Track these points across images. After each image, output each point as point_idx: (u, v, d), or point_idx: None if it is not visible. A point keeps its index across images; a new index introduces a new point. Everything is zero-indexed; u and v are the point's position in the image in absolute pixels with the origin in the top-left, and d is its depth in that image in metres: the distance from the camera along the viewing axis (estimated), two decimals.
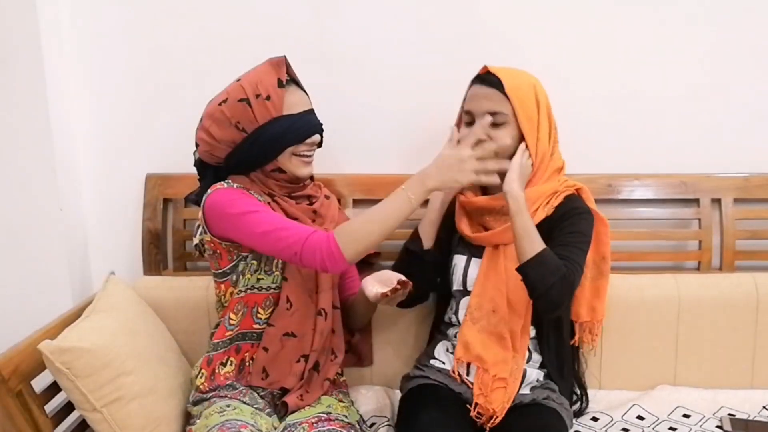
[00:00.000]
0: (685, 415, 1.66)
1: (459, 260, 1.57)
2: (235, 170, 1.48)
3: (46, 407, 1.40)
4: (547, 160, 1.50)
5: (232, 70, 1.86)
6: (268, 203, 1.45)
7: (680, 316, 1.74)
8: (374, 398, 1.71)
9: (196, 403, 1.50)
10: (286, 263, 1.46)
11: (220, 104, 1.43)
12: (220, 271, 1.50)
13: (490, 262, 1.51)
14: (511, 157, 1.46)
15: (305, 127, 1.44)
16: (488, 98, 1.46)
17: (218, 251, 1.47)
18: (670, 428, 1.61)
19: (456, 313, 1.57)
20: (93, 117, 1.86)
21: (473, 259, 1.55)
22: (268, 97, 1.40)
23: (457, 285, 1.56)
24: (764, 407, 1.69)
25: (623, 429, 1.61)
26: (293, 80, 1.47)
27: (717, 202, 1.85)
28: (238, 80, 1.45)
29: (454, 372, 1.52)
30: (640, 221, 1.88)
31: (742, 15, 1.81)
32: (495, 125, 1.45)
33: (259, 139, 1.41)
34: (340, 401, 1.52)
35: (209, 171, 1.51)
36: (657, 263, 1.89)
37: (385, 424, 1.60)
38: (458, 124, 1.55)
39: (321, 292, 1.50)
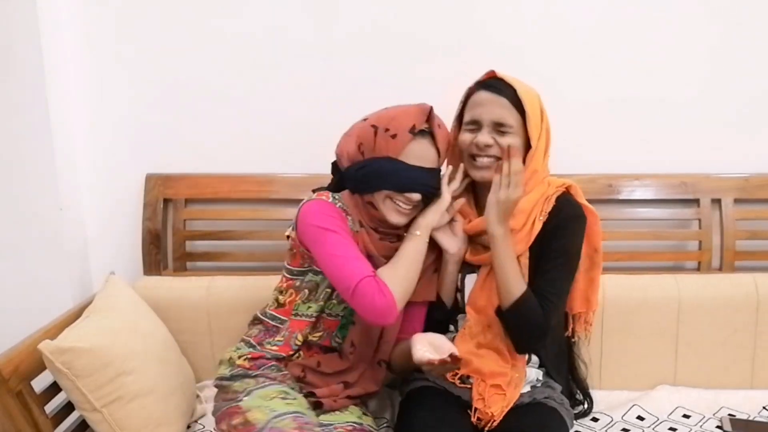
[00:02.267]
0: (685, 416, 1.66)
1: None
2: (348, 186, 1.48)
3: (46, 407, 1.40)
4: (540, 171, 1.47)
5: (233, 70, 1.87)
6: (356, 232, 1.45)
7: (680, 316, 1.74)
8: (374, 398, 1.70)
9: (233, 378, 1.47)
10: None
11: (361, 121, 1.45)
12: (290, 268, 1.51)
13: (486, 277, 1.49)
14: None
15: (407, 180, 1.40)
16: (498, 106, 1.42)
17: (295, 250, 1.48)
18: (670, 428, 1.61)
19: (453, 323, 1.56)
20: (93, 117, 1.86)
21: (468, 276, 1.54)
22: (394, 136, 1.39)
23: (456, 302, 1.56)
24: (764, 407, 1.69)
25: (623, 429, 1.61)
26: (430, 133, 1.42)
27: (717, 202, 1.85)
28: (387, 109, 1.45)
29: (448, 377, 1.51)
30: (640, 221, 1.88)
31: (743, 15, 1.81)
32: (501, 133, 1.42)
33: (366, 168, 1.41)
34: (365, 414, 1.53)
35: (338, 174, 1.51)
36: (657, 263, 1.89)
37: (385, 425, 1.60)
38: (455, 132, 1.51)
39: (384, 342, 1.52)
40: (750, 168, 1.86)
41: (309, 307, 1.48)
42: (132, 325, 1.55)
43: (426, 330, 1.51)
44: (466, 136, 1.46)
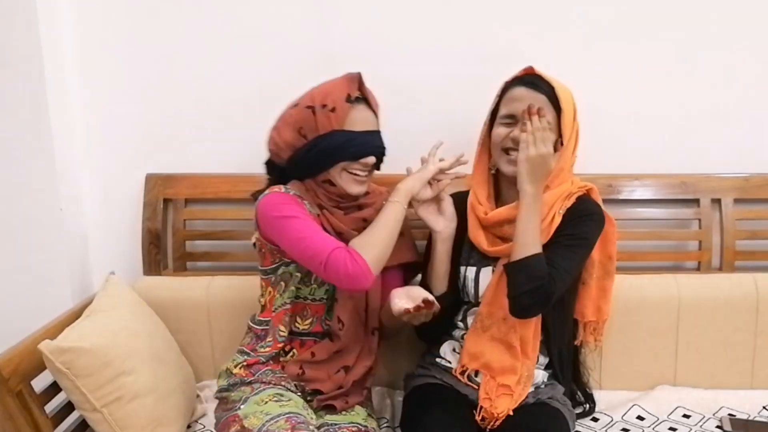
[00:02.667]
0: (685, 415, 1.66)
1: (469, 272, 1.54)
2: (295, 175, 1.49)
3: (46, 407, 1.40)
4: (567, 169, 1.48)
5: (233, 70, 1.87)
6: (317, 215, 1.46)
7: (680, 316, 1.74)
8: (375, 399, 1.70)
9: (230, 388, 1.48)
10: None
11: (291, 108, 1.46)
12: (262, 268, 1.52)
13: (503, 274, 1.46)
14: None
15: (361, 146, 1.43)
16: (536, 101, 1.41)
17: (263, 251, 1.49)
18: (670, 428, 1.61)
19: (463, 320, 1.56)
20: (93, 117, 1.86)
21: (483, 269, 1.53)
22: (333, 109, 1.41)
23: (469, 297, 1.55)
24: (764, 407, 1.69)
25: (623, 429, 1.61)
26: (364, 99, 1.46)
27: (717, 202, 1.85)
28: (315, 88, 1.46)
29: (456, 372, 1.51)
30: (640, 221, 1.88)
31: (742, 15, 1.81)
32: None
33: (315, 148, 1.42)
34: (369, 415, 1.53)
35: (276, 171, 1.53)
36: (657, 263, 1.88)
37: (385, 425, 1.60)
38: (489, 126, 1.51)
39: (371, 310, 1.53)
40: (750, 168, 1.86)
41: (291, 293, 1.48)
42: (132, 325, 1.55)
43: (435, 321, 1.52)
44: (501, 130, 1.47)
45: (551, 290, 1.38)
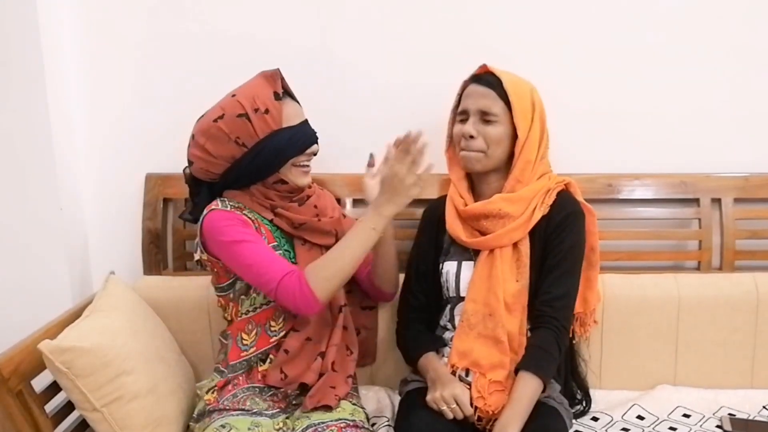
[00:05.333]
0: (685, 415, 1.66)
1: (450, 267, 1.56)
2: (234, 185, 1.48)
3: (46, 407, 1.40)
4: (533, 160, 1.51)
5: (233, 70, 1.87)
6: (271, 220, 1.48)
7: (680, 316, 1.74)
8: (375, 398, 1.71)
9: (198, 418, 1.50)
10: None
11: (215, 120, 1.42)
12: (218, 286, 1.52)
13: (485, 265, 1.50)
14: (496, 152, 1.50)
15: (304, 138, 1.46)
16: (484, 96, 1.49)
17: (216, 270, 1.50)
18: (670, 428, 1.61)
19: (451, 320, 1.56)
20: (93, 117, 1.87)
21: (464, 263, 1.54)
22: (266, 111, 1.41)
23: (451, 292, 1.56)
24: (764, 407, 1.69)
25: (623, 429, 1.61)
26: (287, 92, 1.48)
27: (717, 202, 1.85)
28: (233, 95, 1.44)
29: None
30: (640, 221, 1.88)
31: (742, 15, 1.81)
32: (486, 122, 1.49)
33: (260, 153, 1.42)
34: (356, 408, 1.52)
35: (203, 188, 1.51)
36: (657, 263, 1.88)
37: (386, 424, 1.59)
38: (451, 123, 1.58)
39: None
40: (750, 168, 1.86)
41: (253, 301, 1.48)
42: (132, 325, 1.55)
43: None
44: (457, 127, 1.54)
45: (567, 336, 1.47)
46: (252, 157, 1.42)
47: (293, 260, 1.50)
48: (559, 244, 1.48)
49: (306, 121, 1.49)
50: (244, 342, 1.49)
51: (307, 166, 1.49)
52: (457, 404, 1.38)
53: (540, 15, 1.81)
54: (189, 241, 1.90)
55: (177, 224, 1.89)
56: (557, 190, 1.53)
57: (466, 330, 1.50)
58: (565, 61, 1.82)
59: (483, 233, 1.52)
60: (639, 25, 1.82)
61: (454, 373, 1.48)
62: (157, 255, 1.88)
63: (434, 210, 1.63)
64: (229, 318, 1.55)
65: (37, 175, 1.73)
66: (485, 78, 1.51)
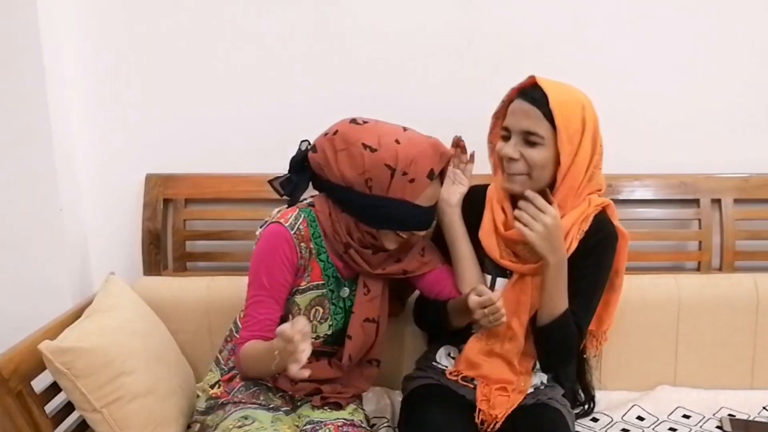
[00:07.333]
0: (685, 416, 1.66)
1: (485, 279, 1.51)
2: (332, 195, 1.40)
3: (46, 407, 1.40)
4: (577, 186, 1.38)
5: (233, 70, 1.87)
6: (341, 255, 1.42)
7: (680, 317, 1.74)
8: (374, 399, 1.71)
9: (207, 411, 1.48)
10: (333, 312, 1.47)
11: (365, 147, 1.32)
12: None
13: (515, 289, 1.45)
14: (541, 176, 1.37)
15: (422, 223, 1.39)
16: (527, 116, 1.34)
17: None
18: (670, 428, 1.61)
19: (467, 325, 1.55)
20: (93, 117, 1.86)
21: (498, 279, 1.49)
22: (412, 180, 1.32)
23: None
24: (764, 407, 1.69)
25: (623, 429, 1.61)
26: (441, 173, 1.39)
27: (717, 202, 1.85)
28: (397, 141, 1.33)
29: (451, 374, 1.51)
30: (640, 221, 1.88)
31: (742, 15, 1.81)
32: (529, 144, 1.35)
33: (377, 206, 1.34)
34: (356, 409, 1.51)
35: (308, 172, 1.42)
36: (657, 263, 1.88)
37: (385, 424, 1.60)
38: (492, 139, 1.48)
39: (378, 343, 1.51)
40: (750, 168, 1.86)
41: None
42: (132, 325, 1.55)
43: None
44: (499, 145, 1.41)
45: (579, 342, 1.44)
46: (368, 202, 1.34)
47: (332, 301, 1.45)
48: (587, 265, 1.42)
49: (434, 205, 1.41)
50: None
51: (404, 239, 1.41)
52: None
53: (539, 15, 1.81)
54: (189, 242, 1.90)
55: (177, 224, 1.89)
56: (594, 214, 1.43)
57: (482, 343, 1.48)
58: (565, 61, 1.82)
59: (519, 257, 1.45)
60: (639, 25, 1.81)
61: (458, 375, 1.49)
62: (157, 255, 1.88)
63: (473, 197, 1.51)
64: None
65: (37, 175, 1.72)
66: (531, 93, 1.35)
